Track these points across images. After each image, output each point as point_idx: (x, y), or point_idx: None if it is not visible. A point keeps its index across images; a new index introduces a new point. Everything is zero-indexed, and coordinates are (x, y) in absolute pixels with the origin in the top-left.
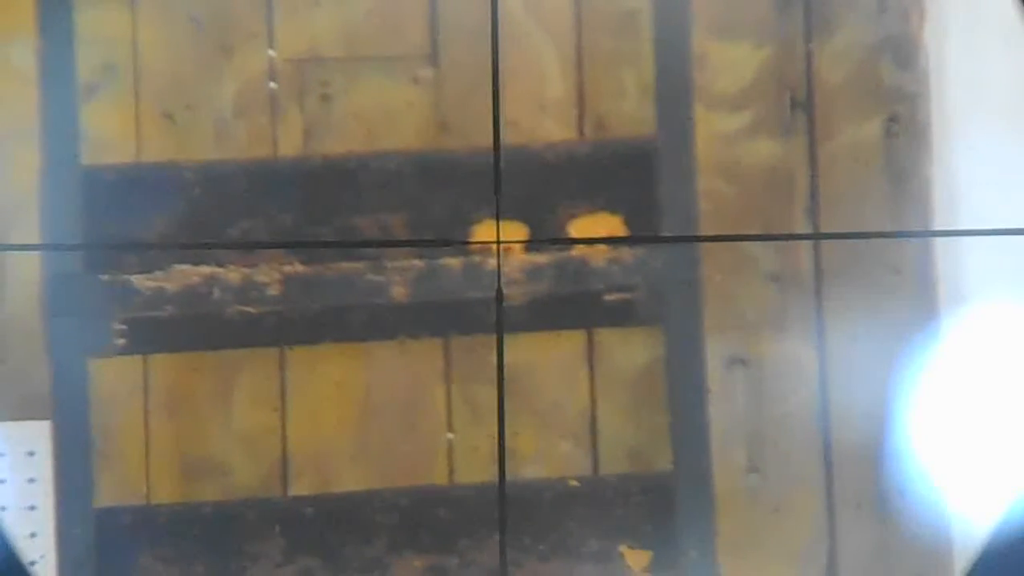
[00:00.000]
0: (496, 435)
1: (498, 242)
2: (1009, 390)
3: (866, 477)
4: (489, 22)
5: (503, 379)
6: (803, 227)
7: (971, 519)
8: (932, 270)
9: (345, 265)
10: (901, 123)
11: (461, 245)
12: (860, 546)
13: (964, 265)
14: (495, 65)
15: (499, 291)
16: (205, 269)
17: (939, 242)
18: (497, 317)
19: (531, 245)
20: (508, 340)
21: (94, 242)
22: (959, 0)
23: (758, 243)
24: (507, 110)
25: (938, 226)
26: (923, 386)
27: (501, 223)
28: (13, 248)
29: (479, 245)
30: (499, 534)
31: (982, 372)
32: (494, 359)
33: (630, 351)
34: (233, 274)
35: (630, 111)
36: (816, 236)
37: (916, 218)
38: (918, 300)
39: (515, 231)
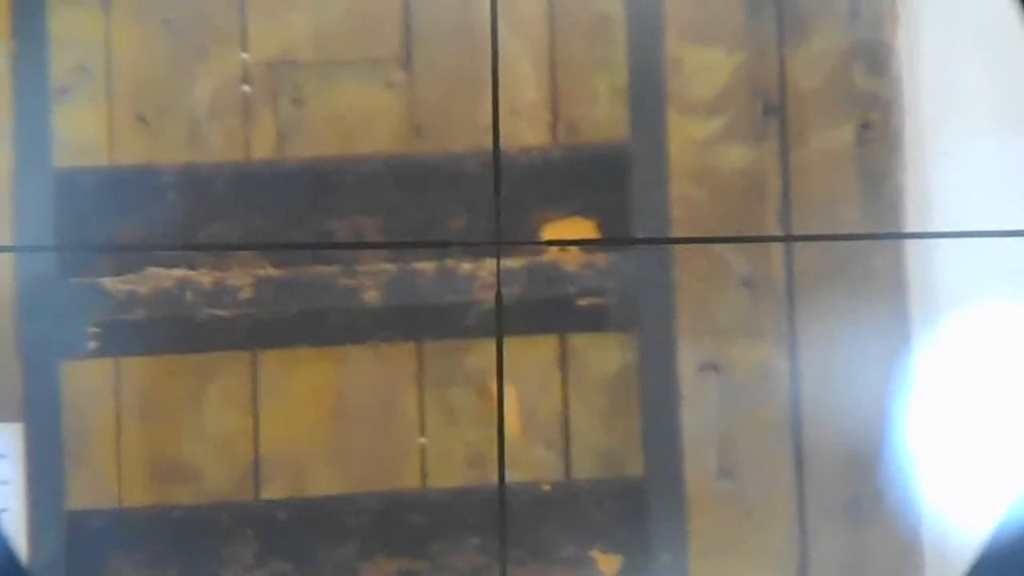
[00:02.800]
0: (475, 439)
1: (498, 242)
2: (986, 392)
3: (838, 482)
4: (465, 25)
5: (503, 380)
6: (776, 232)
7: (944, 522)
8: (904, 275)
9: (318, 269)
10: (874, 129)
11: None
12: (832, 550)
13: (937, 270)
14: (495, 66)
15: (498, 293)
16: (177, 272)
17: (911, 247)
18: (497, 318)
19: (519, 248)
20: (480, 345)
21: (67, 244)
22: (932, 6)
23: (731, 249)
24: (479, 115)
25: (911, 231)
26: (897, 390)
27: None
28: None
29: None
30: (499, 541)
31: (957, 375)
32: (468, 363)
33: (603, 356)
34: (205, 277)
35: (603, 116)
36: (787, 239)
37: (889, 223)
38: (890, 305)
39: (487, 237)
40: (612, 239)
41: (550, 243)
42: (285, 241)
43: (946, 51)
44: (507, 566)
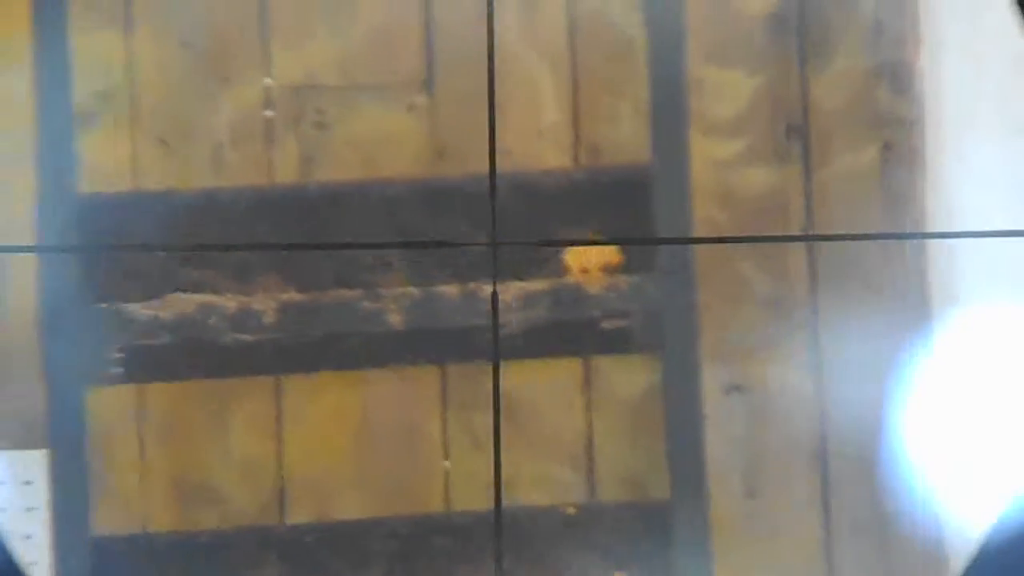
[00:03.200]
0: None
1: (495, 243)
2: (1006, 401)
3: (864, 502)
4: (486, 48)
5: (499, 400)
6: (798, 253)
7: (969, 538)
8: (927, 292)
9: (341, 292)
10: (897, 150)
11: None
12: (858, 572)
13: (959, 287)
14: (491, 74)
15: (494, 294)
16: (201, 297)
17: (933, 266)
18: (493, 331)
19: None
20: (505, 367)
21: (91, 269)
22: (955, 25)
23: (754, 269)
24: (502, 137)
25: (933, 253)
26: (920, 410)
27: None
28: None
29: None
30: (495, 562)
31: (978, 392)
32: (491, 386)
33: (627, 378)
34: (229, 302)
35: (625, 137)
36: (808, 238)
37: (912, 245)
38: (913, 325)
39: (510, 259)
40: (635, 241)
41: (551, 242)
42: (308, 265)
43: (969, 70)
44: None
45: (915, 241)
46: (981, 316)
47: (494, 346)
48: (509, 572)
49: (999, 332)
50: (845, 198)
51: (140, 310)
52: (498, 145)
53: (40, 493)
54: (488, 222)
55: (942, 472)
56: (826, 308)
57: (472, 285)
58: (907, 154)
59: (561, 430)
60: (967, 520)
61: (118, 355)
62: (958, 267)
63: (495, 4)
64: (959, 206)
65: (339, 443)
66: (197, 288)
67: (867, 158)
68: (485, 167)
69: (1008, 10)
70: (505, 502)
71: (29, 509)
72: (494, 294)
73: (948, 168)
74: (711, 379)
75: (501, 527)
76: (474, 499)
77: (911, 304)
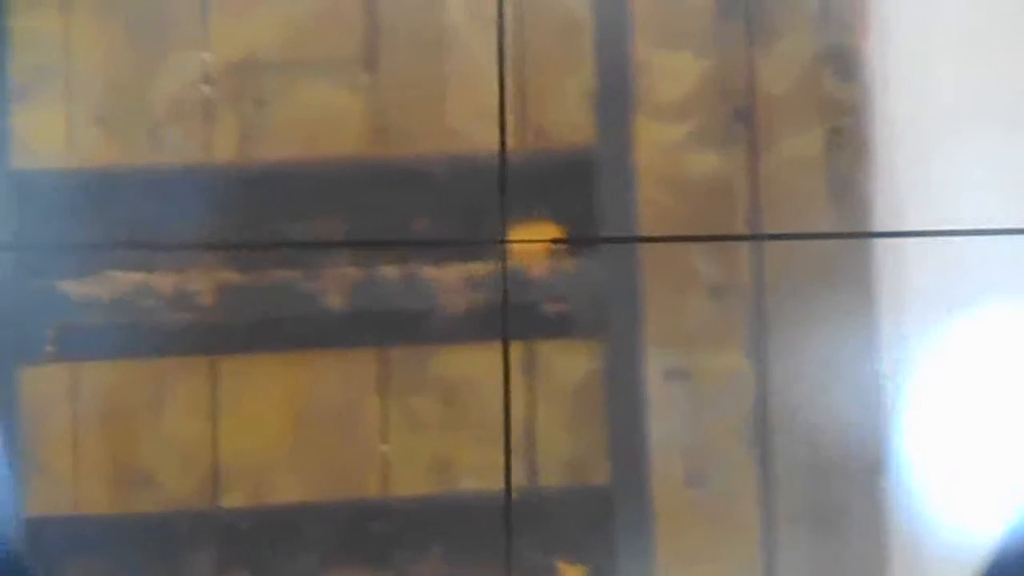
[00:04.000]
0: (439, 447)
1: (503, 242)
2: (957, 396)
3: (806, 490)
4: (432, 27)
5: (509, 384)
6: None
7: (912, 531)
8: (873, 281)
9: (280, 273)
10: (843, 135)
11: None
12: (799, 558)
13: (906, 278)
14: (501, 64)
15: (505, 291)
16: (137, 276)
17: (880, 251)
18: (502, 319)
19: (485, 254)
20: (445, 351)
21: (24, 246)
22: (903, 11)
23: (700, 256)
24: (446, 116)
25: (880, 244)
26: (864, 397)
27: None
28: None
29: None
30: (505, 543)
31: (927, 382)
32: (432, 370)
33: (569, 363)
34: (166, 281)
35: (571, 119)
36: (755, 237)
37: (858, 228)
38: (859, 312)
39: (452, 241)
40: (580, 240)
41: (555, 241)
42: (248, 243)
43: (917, 56)
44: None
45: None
46: (928, 307)
47: (503, 332)
48: (447, 558)
49: (947, 326)
50: (791, 183)
51: (74, 288)
52: (441, 125)
53: None
54: (427, 203)
55: (887, 464)
56: (771, 295)
57: (413, 267)
58: (854, 140)
59: (501, 414)
60: (916, 521)
61: (51, 333)
62: (904, 258)
63: None
64: (908, 197)
65: (276, 426)
66: (133, 267)
67: (814, 143)
68: (429, 147)
69: None
70: (444, 487)
71: None
72: (505, 292)
73: (897, 156)
74: (654, 365)
75: (511, 510)
76: (412, 484)
77: (856, 293)
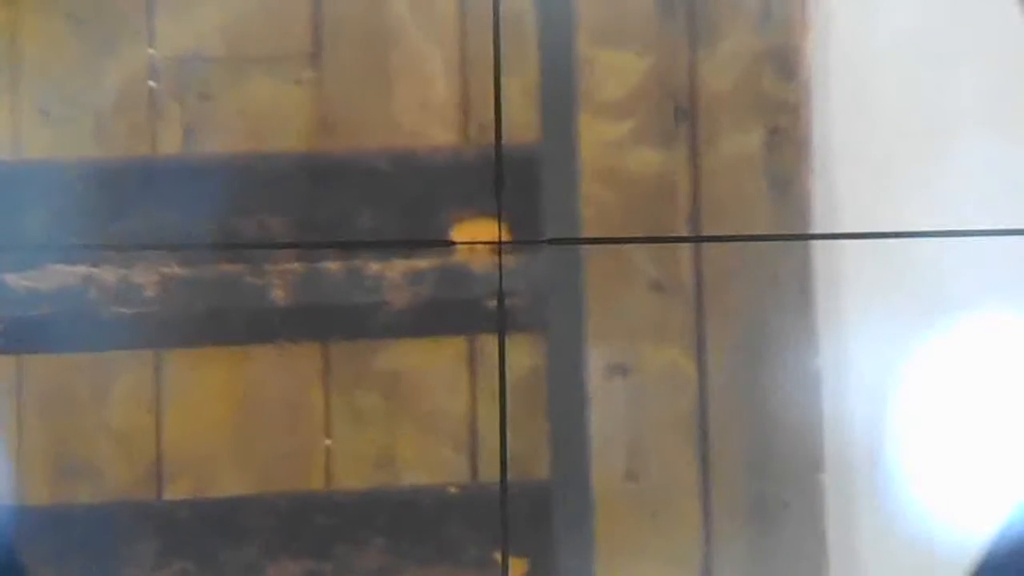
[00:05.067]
0: (382, 441)
1: (500, 242)
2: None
3: (744, 485)
4: (378, 22)
5: (505, 381)
6: (685, 235)
7: (848, 526)
8: (811, 279)
9: (224, 267)
10: (782, 134)
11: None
12: (736, 553)
13: (843, 274)
14: (497, 58)
15: (500, 291)
16: (81, 269)
17: (818, 251)
18: (499, 318)
19: (428, 248)
20: (389, 345)
21: None
22: (843, 11)
23: (641, 252)
24: (392, 113)
25: (818, 243)
26: (803, 393)
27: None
28: None
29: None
30: (502, 540)
31: (867, 378)
32: (375, 364)
33: (511, 358)
34: (110, 275)
35: (514, 116)
36: (696, 239)
37: (796, 227)
38: (797, 309)
39: (397, 236)
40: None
41: (552, 242)
42: (190, 239)
43: (857, 56)
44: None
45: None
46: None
47: (500, 325)
48: (390, 550)
49: (887, 324)
50: (732, 181)
51: (18, 281)
52: (388, 120)
53: None
54: (372, 198)
55: (827, 460)
56: (711, 291)
57: (357, 262)
58: (794, 140)
59: (445, 409)
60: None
61: None
62: (842, 256)
63: None
64: (846, 195)
65: (219, 419)
66: (77, 260)
67: (754, 142)
68: (374, 143)
69: None
70: (387, 480)
71: None
72: (500, 293)
73: (835, 156)
74: (595, 360)
75: (507, 503)
76: (355, 477)
77: (795, 289)
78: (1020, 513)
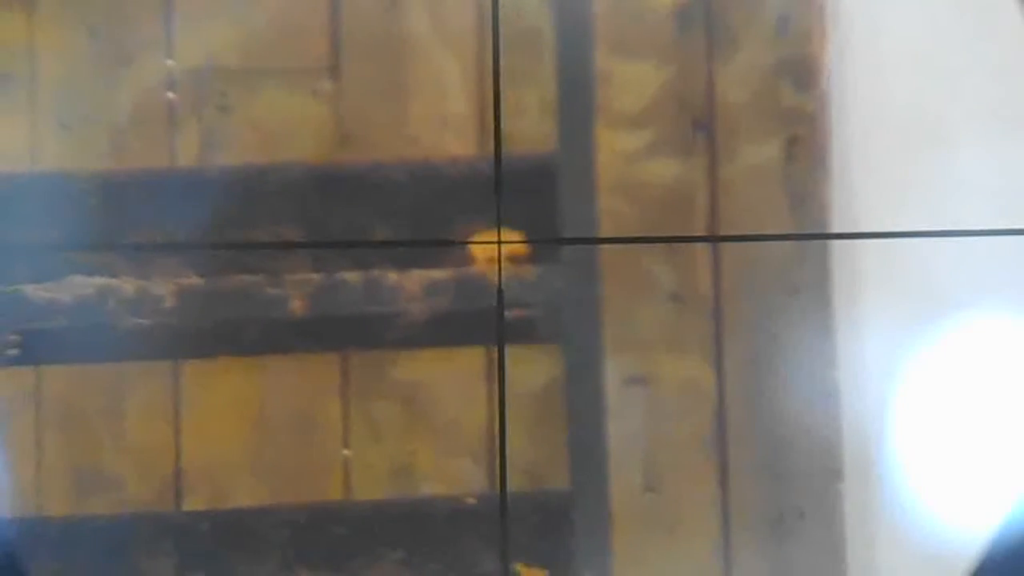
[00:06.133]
0: (399, 452)
1: (499, 242)
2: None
3: (762, 497)
4: (395, 34)
5: (504, 387)
6: (703, 247)
7: (866, 537)
8: (829, 289)
9: (242, 278)
10: (801, 145)
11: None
12: (755, 566)
13: (861, 283)
14: (496, 68)
15: (499, 292)
16: (99, 280)
17: (836, 264)
18: (498, 326)
19: (446, 259)
20: (407, 356)
21: None
22: (861, 21)
23: (659, 263)
24: (409, 125)
25: (837, 251)
26: (820, 403)
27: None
28: None
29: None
30: (501, 543)
31: (888, 385)
32: (392, 375)
33: (529, 369)
34: (128, 285)
35: (532, 128)
36: (713, 239)
37: (815, 241)
38: (816, 319)
39: (415, 245)
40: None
41: (560, 241)
42: (210, 249)
43: (874, 67)
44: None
45: (820, 244)
46: (881, 315)
47: (499, 327)
48: (408, 561)
49: (905, 329)
50: (750, 192)
51: (37, 292)
52: (405, 132)
53: None
54: (392, 211)
55: (846, 473)
56: (729, 302)
57: (375, 273)
58: (812, 150)
59: (463, 420)
60: (871, 531)
61: (14, 337)
62: (861, 266)
63: None
64: (864, 205)
65: (237, 430)
66: (95, 271)
67: (772, 153)
68: (390, 155)
69: (916, 7)
70: (406, 492)
71: None
72: (499, 291)
73: (853, 167)
74: (613, 371)
75: (507, 509)
76: (373, 489)
77: (813, 300)
78: (1020, 513)
